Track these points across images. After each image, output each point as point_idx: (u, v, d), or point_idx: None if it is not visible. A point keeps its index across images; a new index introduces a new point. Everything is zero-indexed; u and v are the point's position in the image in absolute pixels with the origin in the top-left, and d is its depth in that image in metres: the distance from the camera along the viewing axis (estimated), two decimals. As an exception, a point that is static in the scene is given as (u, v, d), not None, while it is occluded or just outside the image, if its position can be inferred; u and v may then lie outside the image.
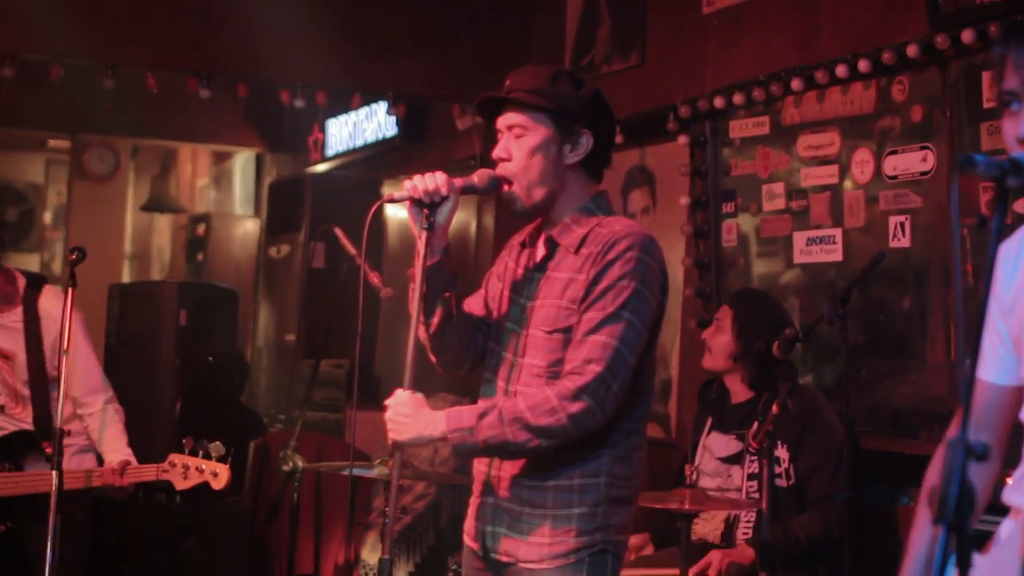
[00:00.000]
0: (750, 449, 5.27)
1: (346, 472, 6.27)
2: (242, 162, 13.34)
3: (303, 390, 7.90)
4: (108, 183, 13.21)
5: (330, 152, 11.12)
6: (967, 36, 5.23)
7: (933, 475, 3.04)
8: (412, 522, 7.89)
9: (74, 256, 5.33)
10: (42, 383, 5.79)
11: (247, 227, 12.68)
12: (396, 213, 10.11)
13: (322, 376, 8.92)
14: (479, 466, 3.88)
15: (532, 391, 3.62)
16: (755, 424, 5.32)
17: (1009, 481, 2.97)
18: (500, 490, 3.77)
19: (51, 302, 5.83)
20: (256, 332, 11.58)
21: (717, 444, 5.71)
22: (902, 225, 5.69)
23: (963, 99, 5.38)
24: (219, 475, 5.36)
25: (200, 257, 12.64)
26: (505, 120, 3.82)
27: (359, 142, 10.52)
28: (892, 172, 5.74)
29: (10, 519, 5.59)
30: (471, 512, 3.91)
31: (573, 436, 3.58)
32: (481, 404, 3.67)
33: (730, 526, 5.57)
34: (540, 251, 3.87)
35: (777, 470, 5.27)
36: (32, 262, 13.57)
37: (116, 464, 5.57)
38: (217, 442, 5.43)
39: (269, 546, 7.88)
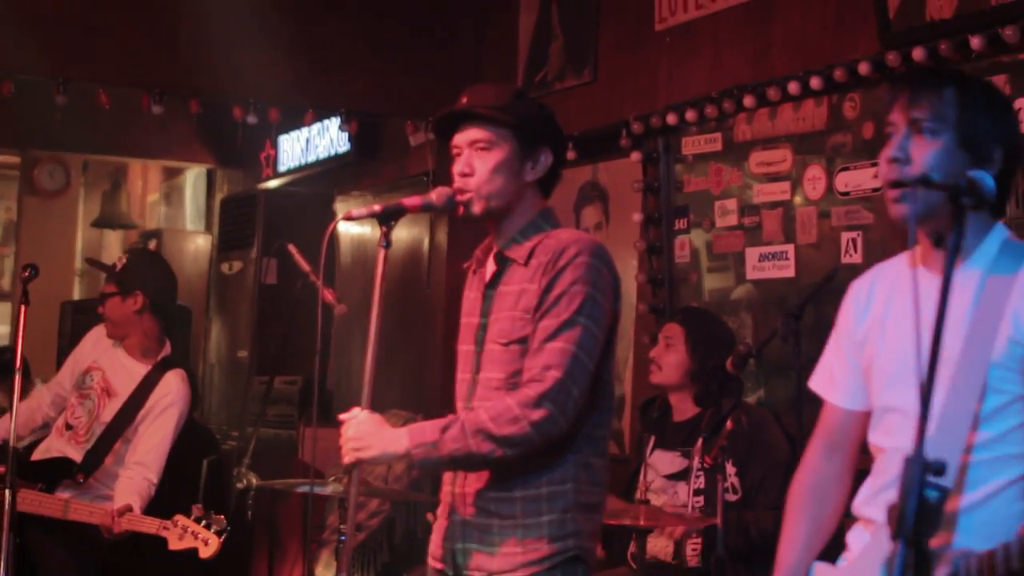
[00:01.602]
0: (704, 465, 5.29)
1: (301, 489, 6.26)
2: (193, 178, 13.29)
3: (256, 407, 7.89)
4: (58, 199, 13.14)
5: (282, 168, 11.09)
6: (918, 54, 5.27)
7: (801, 488, 3.44)
8: (366, 539, 7.87)
9: (27, 273, 5.41)
10: (116, 431, 6.03)
11: (198, 243, 12.62)
12: (349, 229, 10.09)
13: (274, 393, 8.90)
14: (444, 486, 3.89)
15: (493, 402, 3.63)
16: (700, 440, 5.36)
17: (855, 501, 3.29)
18: (467, 507, 3.78)
19: (176, 381, 6.14)
20: (208, 348, 11.52)
21: (661, 461, 5.72)
22: (854, 241, 5.72)
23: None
24: (210, 544, 5.59)
25: (151, 273, 12.56)
26: (467, 136, 3.83)
27: (311, 158, 10.50)
28: (844, 188, 5.78)
29: (19, 536, 5.71)
30: (437, 535, 3.91)
31: (536, 443, 3.59)
32: (443, 419, 3.68)
33: (679, 544, 5.58)
34: (490, 269, 3.89)
35: (723, 484, 5.30)
36: (-19, 279, 13.49)
37: (119, 506, 5.70)
38: (222, 517, 5.64)
39: (222, 564, 7.84)
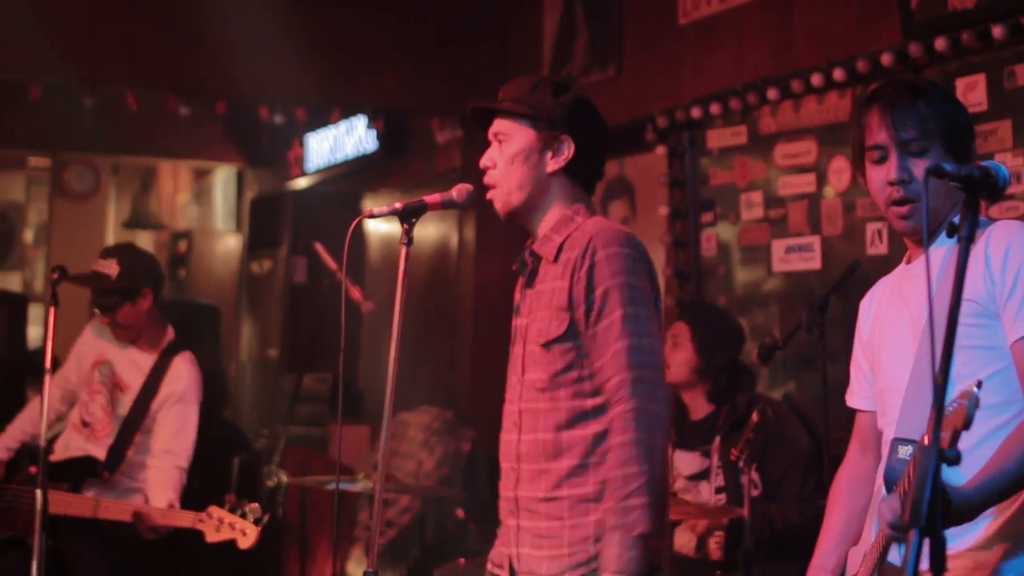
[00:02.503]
0: (730, 459, 5.28)
1: (331, 487, 6.28)
2: (223, 178, 13.35)
3: (286, 405, 7.91)
4: (89, 201, 13.18)
5: (310, 167, 11.13)
6: (940, 44, 5.27)
7: (840, 483, 3.70)
8: (397, 536, 7.90)
9: (56, 276, 5.40)
10: (134, 424, 5.97)
11: (229, 243, 12.69)
12: (377, 227, 10.13)
13: (305, 391, 8.93)
14: (501, 491, 3.90)
15: (610, 462, 3.60)
16: (718, 438, 5.35)
17: None
18: (519, 511, 3.79)
19: (185, 366, 6.08)
20: (239, 348, 11.58)
21: (682, 462, 5.71)
22: (880, 232, 5.72)
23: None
24: (248, 535, 5.51)
25: (182, 274, 12.64)
26: (492, 128, 3.87)
27: (339, 157, 10.53)
28: (869, 180, 5.77)
29: (52, 538, 5.71)
30: (498, 540, 3.93)
31: (658, 432, 3.59)
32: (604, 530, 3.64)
33: (702, 539, 5.58)
34: (527, 267, 3.90)
35: (743, 480, 5.29)
36: (13, 281, 13.55)
37: (163, 503, 5.71)
38: (256, 504, 5.57)
39: (254, 562, 7.88)
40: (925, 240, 2.89)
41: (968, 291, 3.08)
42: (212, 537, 5.55)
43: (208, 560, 7.58)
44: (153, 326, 6.09)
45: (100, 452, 5.93)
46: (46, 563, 5.18)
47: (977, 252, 3.13)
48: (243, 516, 5.51)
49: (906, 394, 3.20)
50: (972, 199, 2.63)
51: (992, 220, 3.31)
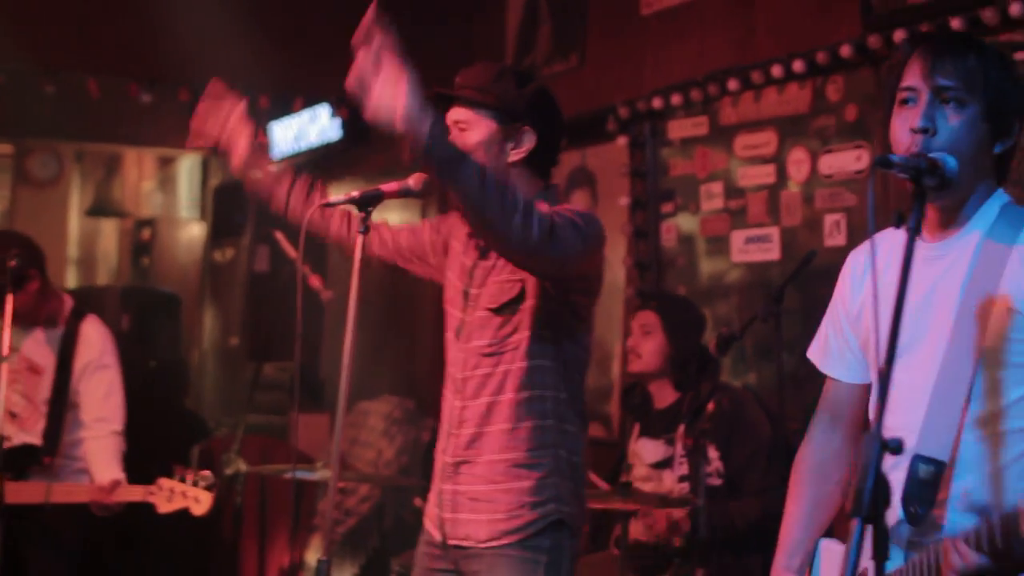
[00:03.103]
0: (686, 447, 5.30)
1: (289, 475, 6.28)
2: (187, 166, 13.29)
3: (247, 393, 7.90)
4: (52, 188, 13.11)
5: (274, 155, 11.08)
6: (899, 36, 5.30)
7: (803, 463, 3.37)
8: (356, 524, 7.90)
9: (14, 262, 5.35)
10: (60, 403, 5.88)
11: (193, 231, 12.64)
12: (341, 216, 10.10)
13: (267, 379, 8.92)
14: (436, 456, 3.94)
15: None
16: (682, 426, 5.37)
17: None
18: (455, 476, 3.84)
19: (94, 330, 5.99)
20: (201, 336, 11.54)
21: (646, 450, 5.74)
22: (838, 223, 5.74)
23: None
24: (201, 501, 5.49)
25: (146, 261, 12.59)
26: (451, 116, 3.86)
27: (303, 145, 10.48)
28: (828, 171, 5.80)
29: (7, 538, 5.67)
30: (431, 499, 3.96)
31: (518, 230, 3.44)
32: None
33: (675, 524, 5.60)
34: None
35: (707, 469, 5.30)
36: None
37: (107, 482, 5.64)
38: (207, 472, 5.55)
39: (213, 550, 7.87)
40: (872, 238, 2.57)
41: (1017, 299, 2.81)
42: (164, 508, 5.51)
43: (166, 551, 7.57)
44: (49, 302, 5.96)
45: (35, 439, 5.85)
46: (3, 564, 5.16)
47: (1022, 251, 2.84)
48: (194, 484, 5.47)
49: (931, 405, 2.87)
50: (919, 191, 2.63)
51: None
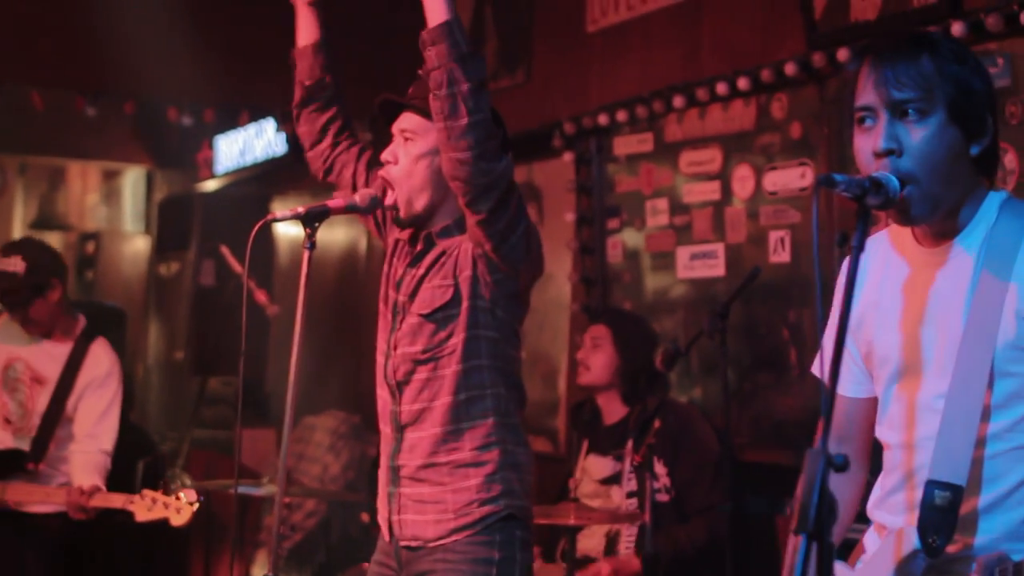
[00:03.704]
0: (633, 463, 5.33)
1: (235, 490, 6.26)
2: (132, 179, 13.23)
3: (192, 408, 7.87)
4: (-5, 201, 13.05)
5: (220, 169, 11.03)
6: (843, 54, 5.34)
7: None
8: (302, 540, 7.88)
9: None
10: (55, 416, 5.94)
11: (137, 245, 12.58)
12: (287, 231, 10.09)
13: (213, 394, 8.89)
14: (381, 460, 3.94)
15: None
16: (630, 442, 5.40)
17: (869, 503, 3.05)
18: (400, 479, 3.84)
19: (103, 351, 6.07)
20: (146, 350, 11.48)
21: (595, 466, 5.77)
22: (782, 240, 5.78)
23: (840, 115, 5.49)
24: (182, 512, 5.48)
25: (90, 275, 12.52)
26: (399, 124, 3.87)
27: (249, 159, 10.46)
28: (772, 188, 5.83)
29: None
30: (380, 500, 3.96)
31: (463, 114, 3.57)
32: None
33: (612, 541, 5.63)
34: (418, 247, 3.93)
35: (656, 485, 5.33)
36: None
37: (87, 486, 5.67)
38: (193, 491, 5.56)
39: (158, 566, 7.84)
40: (815, 259, 2.56)
41: (1021, 303, 2.68)
42: (143, 516, 5.52)
43: (115, 565, 7.54)
44: (65, 317, 6.05)
45: (24, 445, 5.89)
46: None
47: None
48: (178, 498, 5.50)
49: (943, 425, 2.72)
50: (862, 209, 2.61)
51: None
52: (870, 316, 2.95)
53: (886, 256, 2.95)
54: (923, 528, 2.70)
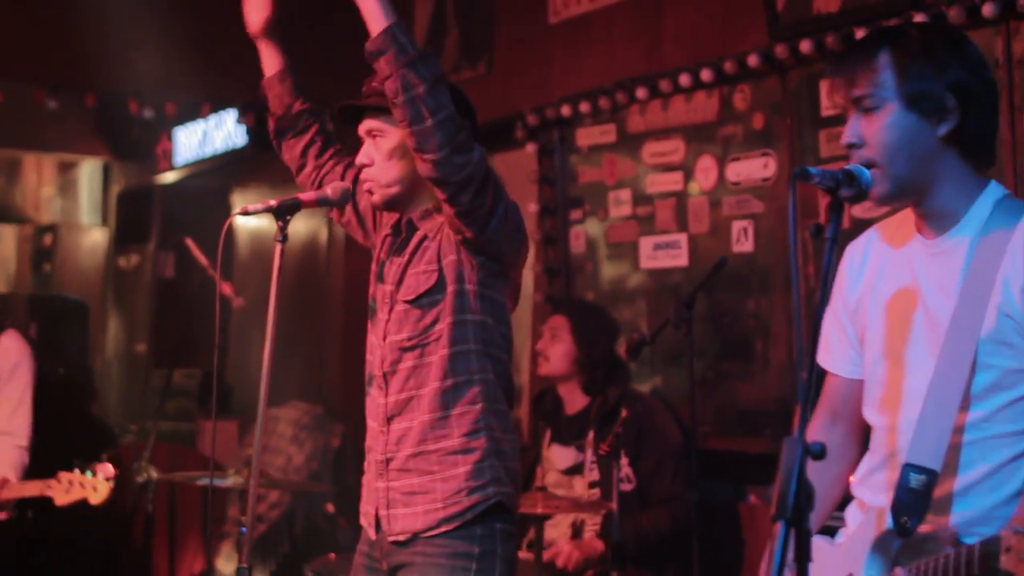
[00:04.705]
0: (600, 453, 5.36)
1: (201, 482, 6.26)
2: (88, 171, 13.18)
3: (155, 400, 7.86)
4: (-50, 195, 13.00)
5: (179, 161, 11.02)
6: (805, 46, 5.38)
7: None
8: (267, 530, 7.88)
9: None
10: None
11: (95, 237, 12.55)
12: (246, 223, 10.08)
13: (174, 386, 8.88)
14: (368, 454, 3.95)
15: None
16: (592, 432, 5.42)
17: (852, 478, 3.17)
18: (388, 472, 3.84)
19: (12, 342, 5.91)
20: (105, 343, 11.47)
21: (558, 456, 5.80)
22: (745, 230, 5.82)
23: (802, 107, 5.54)
24: (99, 490, 5.42)
25: (47, 268, 12.48)
26: (364, 126, 3.89)
27: (208, 151, 10.44)
28: (735, 178, 5.88)
29: None
30: (364, 497, 3.97)
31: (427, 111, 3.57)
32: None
33: (577, 530, 5.66)
34: (401, 235, 3.94)
35: (619, 475, 5.36)
36: None
37: None
38: (108, 464, 5.50)
39: (123, 558, 7.83)
40: (792, 244, 2.68)
41: (1006, 302, 2.82)
42: (62, 500, 5.45)
43: (76, 559, 7.53)
44: None
45: None
46: None
47: (1016, 251, 2.84)
48: (92, 475, 5.45)
49: (924, 411, 2.87)
50: (835, 202, 2.67)
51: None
52: (866, 301, 3.10)
53: (883, 247, 3.10)
54: (897, 508, 2.83)
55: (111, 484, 5.42)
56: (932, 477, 2.81)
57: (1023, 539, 2.52)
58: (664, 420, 5.69)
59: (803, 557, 2.35)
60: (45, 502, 5.78)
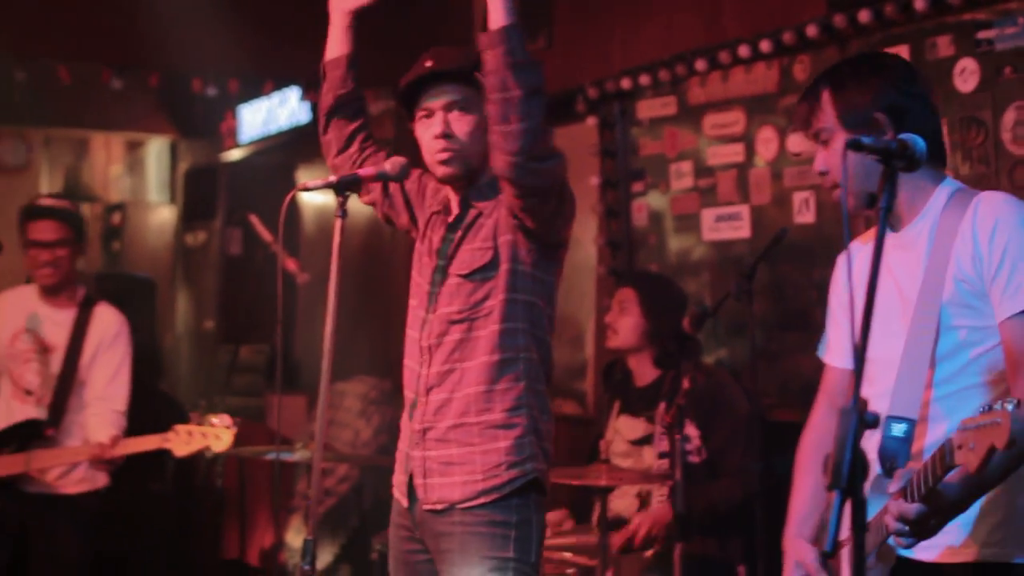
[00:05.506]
0: (663, 424, 5.37)
1: (269, 456, 6.33)
2: (156, 150, 13.30)
3: (223, 376, 7.94)
4: (21, 174, 13.10)
5: (244, 139, 11.11)
6: (864, 16, 5.37)
7: (807, 444, 3.65)
8: (336, 504, 7.95)
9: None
10: (68, 382, 6.00)
11: (163, 215, 12.66)
12: (312, 199, 10.14)
13: (242, 362, 8.97)
14: (403, 423, 4.00)
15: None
16: (662, 404, 5.44)
17: None
18: (423, 441, 3.89)
19: (108, 314, 6.15)
20: (175, 320, 11.57)
21: (627, 427, 5.81)
22: (807, 201, 5.81)
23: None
24: (222, 438, 5.61)
25: (116, 246, 12.61)
26: (442, 98, 3.91)
27: (273, 128, 10.52)
28: (796, 149, 5.87)
29: (16, 522, 5.89)
30: (397, 466, 4.03)
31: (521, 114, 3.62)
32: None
33: (644, 501, 5.68)
34: (454, 213, 3.99)
35: (688, 447, 5.36)
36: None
37: (106, 439, 5.75)
38: (225, 415, 5.71)
39: (194, 533, 7.93)
40: (844, 215, 2.76)
41: (958, 271, 3.12)
42: (182, 451, 5.62)
43: (149, 533, 7.62)
44: (73, 282, 6.14)
45: (42, 414, 5.95)
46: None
47: (964, 229, 3.14)
48: (213, 425, 5.58)
49: (900, 371, 3.17)
50: (890, 172, 2.71)
51: (976, 192, 3.25)
52: (855, 295, 3.28)
53: (863, 246, 3.44)
54: (883, 455, 3.10)
55: (234, 431, 5.54)
56: (911, 425, 3.09)
57: (966, 433, 2.69)
58: (734, 393, 5.68)
59: (859, 526, 2.37)
60: (118, 480, 5.92)
